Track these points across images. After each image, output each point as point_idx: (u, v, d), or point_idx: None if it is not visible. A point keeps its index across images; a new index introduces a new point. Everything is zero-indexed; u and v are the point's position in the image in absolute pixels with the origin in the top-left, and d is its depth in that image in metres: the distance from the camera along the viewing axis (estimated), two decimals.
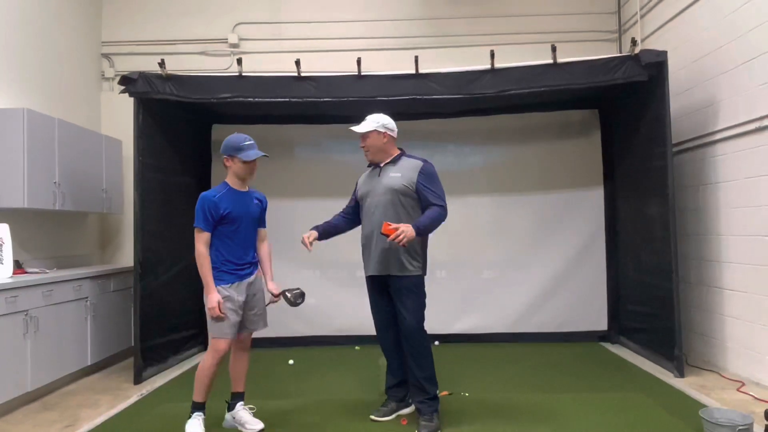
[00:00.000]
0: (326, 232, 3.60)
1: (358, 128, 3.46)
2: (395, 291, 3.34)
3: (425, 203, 3.35)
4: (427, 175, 3.38)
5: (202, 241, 3.13)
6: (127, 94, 4.50)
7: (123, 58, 6.26)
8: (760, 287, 4.01)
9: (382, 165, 3.46)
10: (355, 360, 5.01)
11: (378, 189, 3.39)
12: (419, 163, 3.42)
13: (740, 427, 2.83)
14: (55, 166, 4.69)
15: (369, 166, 3.59)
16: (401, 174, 3.37)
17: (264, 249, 3.44)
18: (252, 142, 3.25)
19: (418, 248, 3.35)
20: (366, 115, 3.48)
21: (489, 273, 5.64)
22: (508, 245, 5.66)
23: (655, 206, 4.62)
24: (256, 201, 3.36)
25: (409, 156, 3.50)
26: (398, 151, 3.51)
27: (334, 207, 5.64)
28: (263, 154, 3.25)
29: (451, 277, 5.60)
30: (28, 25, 5.00)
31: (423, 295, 3.39)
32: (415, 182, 3.34)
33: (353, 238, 5.50)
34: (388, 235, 3.10)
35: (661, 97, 4.39)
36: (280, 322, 5.55)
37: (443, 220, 3.33)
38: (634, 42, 4.43)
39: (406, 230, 3.11)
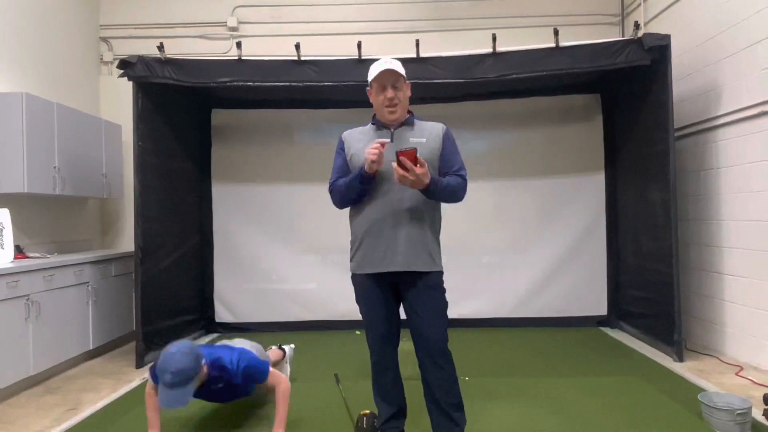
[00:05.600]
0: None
1: (396, 66, 2.56)
2: (418, 293, 2.57)
3: (447, 170, 2.61)
4: (452, 140, 2.69)
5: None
6: (126, 78, 4.47)
7: (121, 41, 6.21)
8: (760, 272, 4.02)
9: (394, 129, 2.65)
10: (356, 344, 5.03)
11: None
12: (441, 126, 2.71)
13: (739, 411, 2.84)
14: (54, 151, 4.67)
15: (374, 125, 2.71)
16: (426, 139, 2.59)
17: (276, 396, 2.92)
18: (170, 380, 2.44)
19: (438, 238, 2.71)
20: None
21: (489, 258, 5.64)
22: (509, 230, 5.65)
23: (656, 191, 4.61)
24: (219, 386, 2.84)
25: (420, 118, 2.77)
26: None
27: None
28: (177, 404, 2.46)
29: (451, 262, 5.49)
30: (25, 9, 4.95)
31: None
32: (440, 149, 2.61)
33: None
34: (404, 161, 2.31)
35: (664, 82, 4.36)
36: (281, 308, 5.61)
37: (460, 198, 2.61)
38: (636, 25, 4.39)
39: (421, 176, 2.34)
